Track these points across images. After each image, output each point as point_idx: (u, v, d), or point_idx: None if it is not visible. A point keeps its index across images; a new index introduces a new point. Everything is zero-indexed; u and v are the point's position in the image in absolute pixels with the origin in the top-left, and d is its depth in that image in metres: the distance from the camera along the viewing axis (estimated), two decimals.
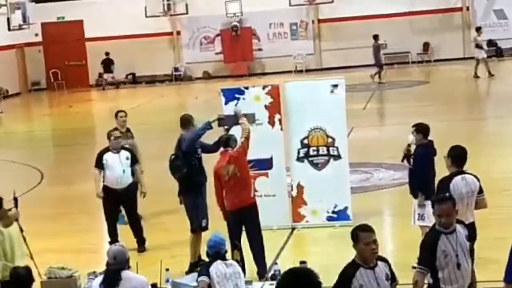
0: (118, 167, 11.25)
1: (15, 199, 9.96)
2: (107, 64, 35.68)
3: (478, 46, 28.56)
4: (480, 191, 8.19)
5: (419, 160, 9.51)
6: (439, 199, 6.70)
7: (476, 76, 27.95)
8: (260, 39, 35.97)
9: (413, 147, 9.64)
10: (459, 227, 6.63)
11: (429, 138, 9.67)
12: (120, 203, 11.42)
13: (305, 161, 11.64)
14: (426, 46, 35.13)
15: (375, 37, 30.32)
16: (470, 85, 27.61)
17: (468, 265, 6.66)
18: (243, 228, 9.56)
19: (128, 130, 12.91)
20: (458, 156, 8.15)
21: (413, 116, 19.27)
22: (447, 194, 7.07)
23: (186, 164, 9.96)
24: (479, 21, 34.59)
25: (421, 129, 9.63)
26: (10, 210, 9.92)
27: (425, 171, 9.42)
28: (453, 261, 6.49)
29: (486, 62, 28.12)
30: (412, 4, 34.41)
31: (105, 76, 35.91)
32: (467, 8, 34.99)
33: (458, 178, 8.06)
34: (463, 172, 8.15)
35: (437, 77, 31.13)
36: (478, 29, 29.54)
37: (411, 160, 9.62)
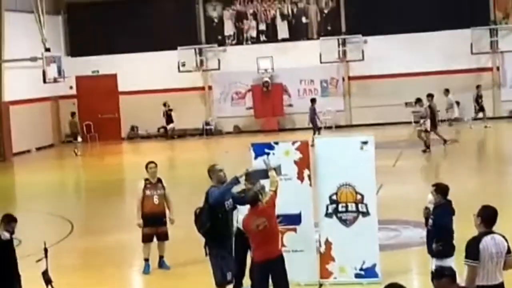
0: None
1: (45, 250, 10.09)
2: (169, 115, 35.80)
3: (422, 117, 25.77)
4: (508, 251, 8.20)
5: (439, 221, 9.61)
6: (438, 275, 6.52)
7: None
8: (290, 95, 36.23)
9: (431, 207, 9.74)
10: None
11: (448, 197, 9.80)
12: None
13: (334, 217, 11.64)
14: (456, 105, 35.09)
15: (313, 100, 30.34)
16: (498, 143, 27.45)
17: None
18: (269, 282, 9.57)
19: (159, 180, 13.12)
20: (489, 217, 8.20)
21: (442, 174, 19.33)
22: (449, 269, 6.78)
23: (211, 218, 10.01)
24: (509, 82, 34.72)
25: (440, 189, 9.79)
26: (40, 260, 10.08)
27: (444, 230, 9.47)
28: None
29: (420, 134, 25.62)
30: (443, 64, 34.50)
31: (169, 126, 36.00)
32: (498, 68, 35.07)
33: (487, 238, 8.09)
34: (492, 232, 8.18)
35: (466, 136, 31.03)
36: (418, 101, 26.87)
37: (430, 221, 9.72)
